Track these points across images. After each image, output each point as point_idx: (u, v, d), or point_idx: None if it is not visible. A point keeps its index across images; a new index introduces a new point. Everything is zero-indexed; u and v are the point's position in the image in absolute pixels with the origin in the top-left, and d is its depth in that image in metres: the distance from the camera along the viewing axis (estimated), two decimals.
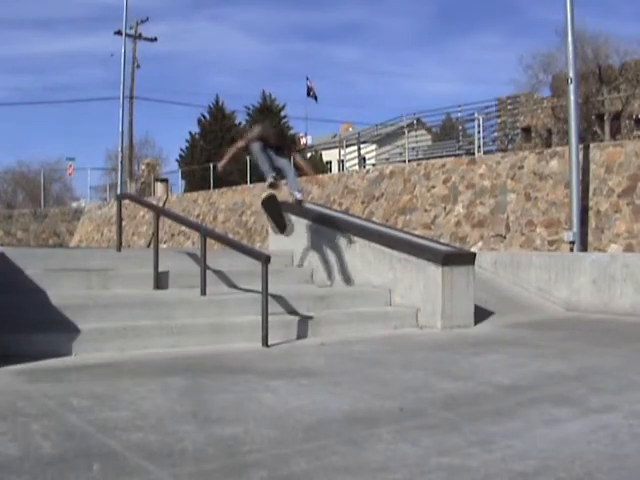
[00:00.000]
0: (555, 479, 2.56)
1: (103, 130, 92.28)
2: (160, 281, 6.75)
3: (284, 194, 8.44)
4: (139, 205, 18.63)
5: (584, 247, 11.13)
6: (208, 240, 6.58)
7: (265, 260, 5.64)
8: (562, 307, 8.85)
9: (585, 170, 11.55)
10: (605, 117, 26.35)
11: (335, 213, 9.37)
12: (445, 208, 14.02)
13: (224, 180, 23.00)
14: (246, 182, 22.40)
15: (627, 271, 8.33)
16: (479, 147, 16.39)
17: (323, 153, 32.11)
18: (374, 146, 24.68)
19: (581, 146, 11.64)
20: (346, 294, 7.26)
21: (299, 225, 8.36)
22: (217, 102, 35.55)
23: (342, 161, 22.70)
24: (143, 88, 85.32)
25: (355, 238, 7.85)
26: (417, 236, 8.89)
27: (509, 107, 23.50)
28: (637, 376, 4.59)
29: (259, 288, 5.65)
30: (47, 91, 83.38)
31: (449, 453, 2.85)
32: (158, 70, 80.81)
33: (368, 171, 17.38)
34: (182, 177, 31.36)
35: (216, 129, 34.22)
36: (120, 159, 28.24)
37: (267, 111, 34.77)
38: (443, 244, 8.69)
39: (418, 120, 22.96)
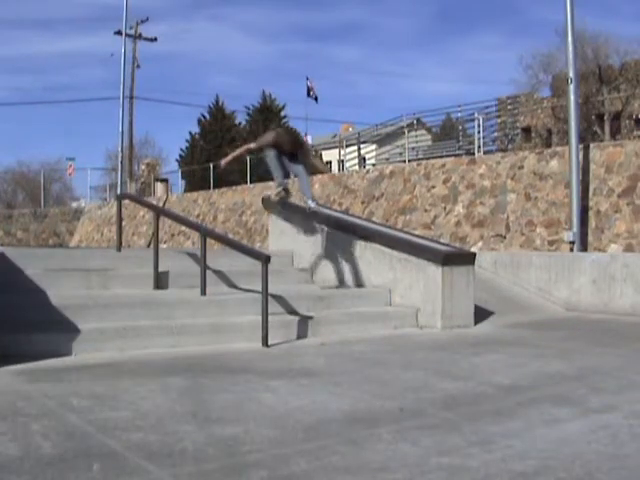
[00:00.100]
0: (555, 479, 2.56)
1: (103, 130, 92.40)
2: (160, 281, 6.76)
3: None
4: (139, 205, 18.64)
5: (584, 247, 11.13)
6: (208, 240, 6.58)
7: (265, 260, 5.64)
8: (562, 307, 8.85)
9: (585, 170, 11.54)
10: (605, 117, 26.35)
11: (335, 213, 9.39)
12: (445, 208, 14.02)
13: (224, 180, 23.02)
14: (246, 182, 22.41)
15: (627, 271, 8.34)
16: (479, 147, 16.38)
17: (323, 153, 32.10)
18: (374, 146, 24.67)
19: (581, 146, 11.64)
20: (346, 294, 7.26)
21: (299, 225, 8.38)
22: (217, 102, 35.63)
23: (342, 161, 22.69)
24: (143, 88, 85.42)
25: (355, 238, 7.85)
26: (417, 236, 8.89)
27: (509, 107, 23.48)
28: (637, 376, 4.59)
29: (259, 288, 5.65)
30: (47, 91, 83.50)
31: (449, 453, 2.85)
32: (158, 70, 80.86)
33: (368, 171, 17.38)
34: (182, 177, 31.40)
35: (216, 129, 34.28)
36: (120, 159, 28.24)
37: (267, 111, 34.81)
38: (443, 244, 8.68)
39: (418, 120, 22.94)
